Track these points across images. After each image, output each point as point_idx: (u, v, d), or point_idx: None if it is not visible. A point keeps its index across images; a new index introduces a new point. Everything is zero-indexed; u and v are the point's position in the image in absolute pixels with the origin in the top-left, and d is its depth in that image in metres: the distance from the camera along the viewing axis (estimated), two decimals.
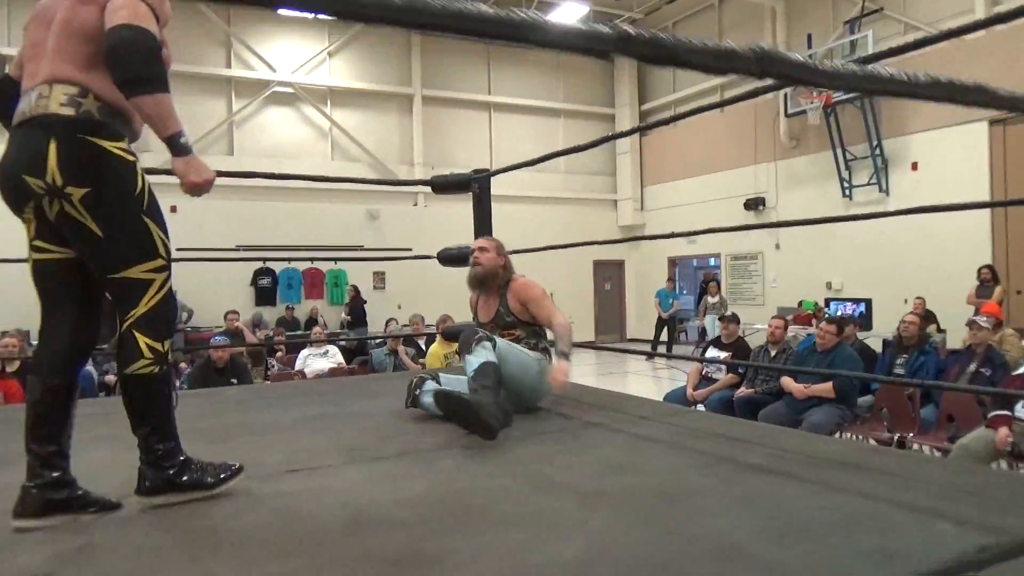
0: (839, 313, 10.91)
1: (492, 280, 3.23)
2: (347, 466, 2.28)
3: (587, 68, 17.29)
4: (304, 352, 7.40)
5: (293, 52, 14.42)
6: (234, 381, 5.99)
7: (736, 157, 14.63)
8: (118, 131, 1.85)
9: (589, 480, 2.07)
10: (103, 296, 1.95)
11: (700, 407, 6.15)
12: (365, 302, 13.69)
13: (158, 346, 1.84)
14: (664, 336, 14.05)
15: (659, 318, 14.04)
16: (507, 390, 2.89)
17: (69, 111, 1.77)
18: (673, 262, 16.64)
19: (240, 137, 14.15)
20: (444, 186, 4.51)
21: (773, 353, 5.92)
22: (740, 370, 6.09)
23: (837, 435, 5.29)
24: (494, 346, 2.91)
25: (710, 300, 13.08)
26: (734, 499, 1.87)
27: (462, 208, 16.76)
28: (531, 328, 3.18)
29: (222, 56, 14.02)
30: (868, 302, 11.14)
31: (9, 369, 5.14)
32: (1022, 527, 1.60)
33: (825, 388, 5.19)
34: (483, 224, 4.96)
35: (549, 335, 3.23)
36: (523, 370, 3.03)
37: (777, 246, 13.87)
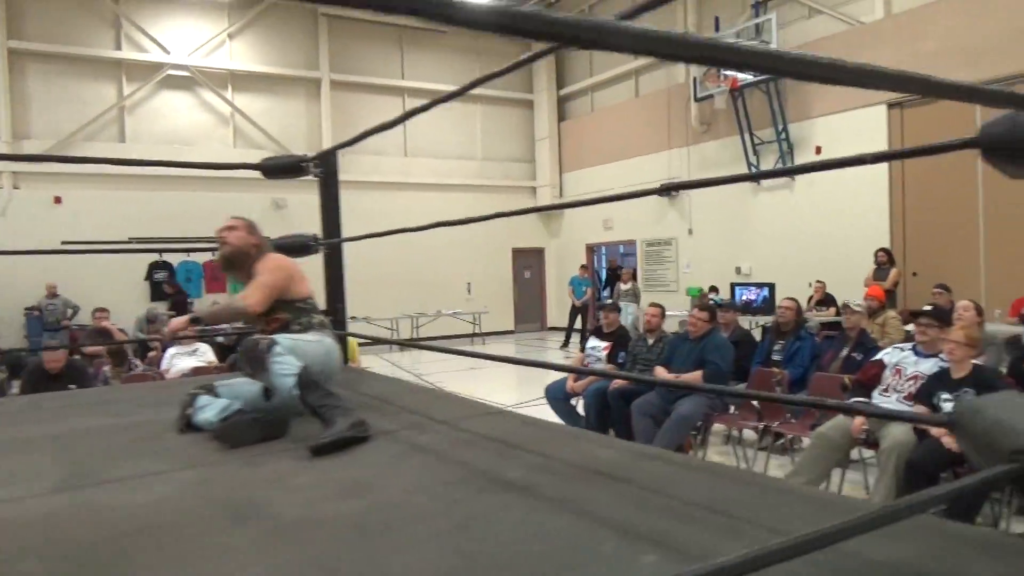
0: (744, 298, 10.92)
1: (243, 261, 2.87)
2: (39, 497, 1.92)
3: (505, 53, 16.97)
4: (170, 351, 6.90)
5: (190, 33, 13.69)
6: (72, 387, 5.50)
7: (651, 142, 14.54)
8: None
9: (306, 506, 1.78)
10: None
11: (580, 399, 5.96)
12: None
13: None
14: (579, 324, 13.90)
15: (573, 306, 13.89)
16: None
17: None
18: (591, 249, 16.52)
19: (133, 123, 13.38)
20: (274, 170, 4.14)
21: (651, 342, 5.74)
22: (619, 359, 5.90)
23: (702, 426, 5.14)
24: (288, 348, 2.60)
25: (622, 287, 12.96)
26: (447, 528, 1.59)
27: (370, 197, 16.31)
28: (293, 307, 2.83)
29: (110, 37, 13.21)
30: (771, 287, 11.17)
31: None
32: (740, 552, 1.36)
33: (694, 377, 5.02)
34: (330, 210, 4.64)
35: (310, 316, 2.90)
36: (322, 361, 2.74)
37: (690, 231, 13.84)
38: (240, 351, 2.65)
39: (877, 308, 6.75)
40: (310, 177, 14.19)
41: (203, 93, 13.93)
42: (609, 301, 6.45)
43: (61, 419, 3.03)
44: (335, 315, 4.62)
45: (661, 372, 5.28)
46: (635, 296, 12.82)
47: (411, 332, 14.86)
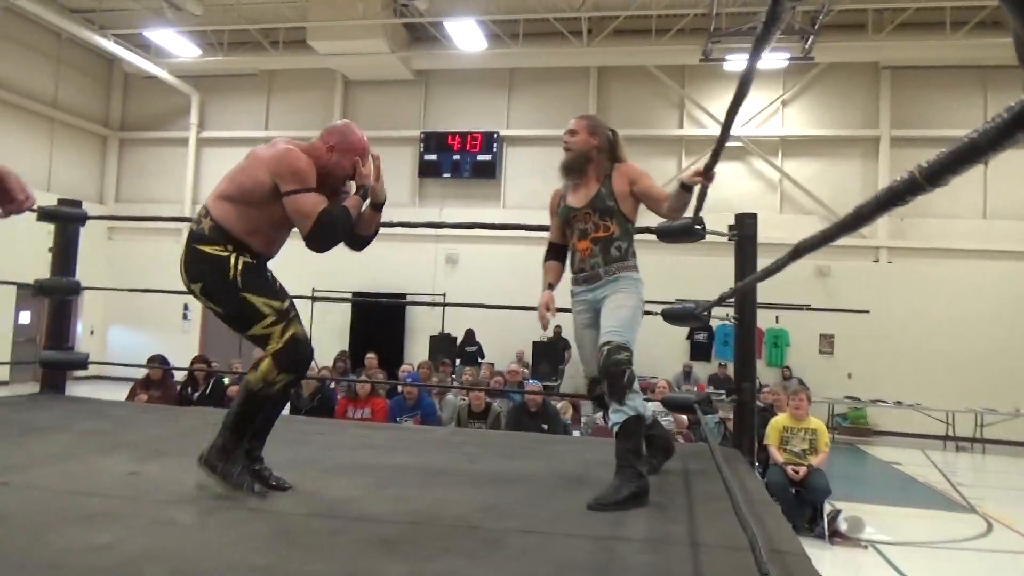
0: None
1: (586, 165, 2.82)
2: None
3: None
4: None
5: (745, 104, 14.14)
6: (544, 427, 6.15)
7: None
8: (219, 240, 2.33)
9: None
10: None
11: None
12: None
13: (273, 374, 2.31)
14: None
15: None
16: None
17: (193, 226, 2.38)
18: None
19: None
20: (667, 233, 3.94)
21: None
22: None
23: None
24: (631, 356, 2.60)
25: None
26: None
27: (934, 265, 14.21)
28: (625, 225, 2.79)
29: (675, 117, 14.62)
30: None
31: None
32: None
33: None
34: (743, 276, 4.24)
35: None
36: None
37: None
38: (603, 366, 2.60)
39: None
40: (862, 243, 13.16)
41: (754, 161, 14.22)
42: None
43: (365, 453, 3.42)
44: (741, 394, 4.17)
45: None
46: None
47: (974, 431, 12.22)
